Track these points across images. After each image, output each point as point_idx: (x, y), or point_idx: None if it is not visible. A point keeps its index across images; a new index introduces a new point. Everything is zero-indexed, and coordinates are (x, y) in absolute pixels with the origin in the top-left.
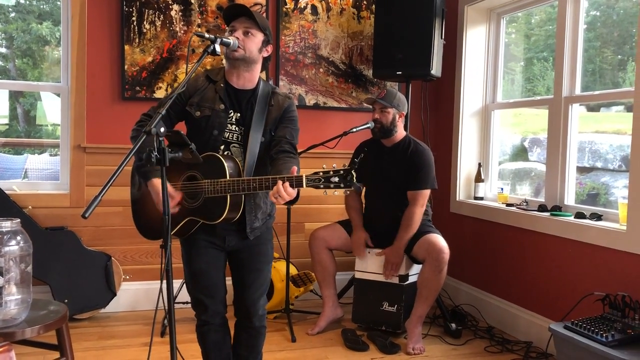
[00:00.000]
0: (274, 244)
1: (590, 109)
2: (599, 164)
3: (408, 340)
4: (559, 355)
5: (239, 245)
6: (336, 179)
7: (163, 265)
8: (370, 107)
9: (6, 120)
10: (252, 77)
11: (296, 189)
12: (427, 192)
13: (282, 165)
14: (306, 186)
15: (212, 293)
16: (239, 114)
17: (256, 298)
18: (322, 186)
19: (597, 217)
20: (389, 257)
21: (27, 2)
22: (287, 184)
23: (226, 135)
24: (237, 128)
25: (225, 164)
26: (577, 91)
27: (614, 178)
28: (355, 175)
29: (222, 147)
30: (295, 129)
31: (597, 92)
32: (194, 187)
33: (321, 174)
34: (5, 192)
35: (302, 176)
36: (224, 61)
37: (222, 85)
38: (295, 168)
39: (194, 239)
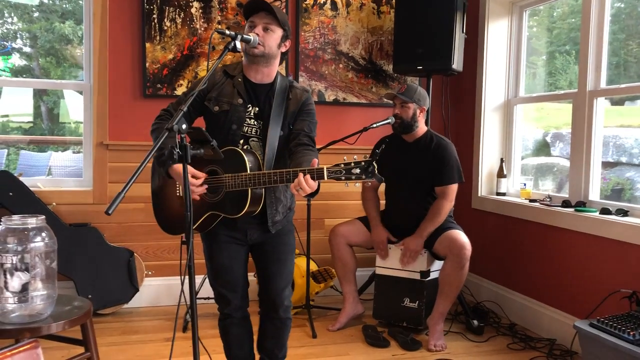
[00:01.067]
0: (294, 237)
1: (615, 102)
2: (623, 159)
3: (429, 337)
4: (584, 353)
5: (262, 238)
6: (357, 170)
7: (185, 261)
8: (391, 102)
9: (30, 118)
10: (271, 72)
11: (317, 182)
12: (455, 186)
13: (301, 157)
14: (327, 178)
15: (234, 287)
16: (257, 108)
17: (281, 288)
18: (343, 178)
19: (624, 212)
20: (408, 245)
21: (50, 2)
22: (308, 176)
23: (245, 129)
24: (255, 122)
25: (246, 158)
26: (602, 85)
27: (639, 173)
28: (376, 167)
29: (241, 141)
30: (313, 122)
31: (623, 86)
32: (215, 181)
33: (342, 165)
34: (30, 188)
35: (323, 168)
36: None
37: (240, 80)
38: (316, 160)
39: (215, 234)
